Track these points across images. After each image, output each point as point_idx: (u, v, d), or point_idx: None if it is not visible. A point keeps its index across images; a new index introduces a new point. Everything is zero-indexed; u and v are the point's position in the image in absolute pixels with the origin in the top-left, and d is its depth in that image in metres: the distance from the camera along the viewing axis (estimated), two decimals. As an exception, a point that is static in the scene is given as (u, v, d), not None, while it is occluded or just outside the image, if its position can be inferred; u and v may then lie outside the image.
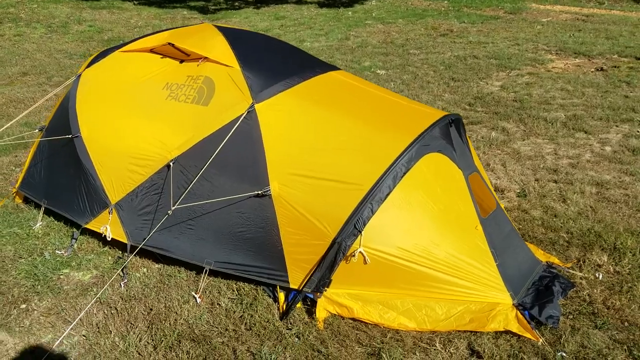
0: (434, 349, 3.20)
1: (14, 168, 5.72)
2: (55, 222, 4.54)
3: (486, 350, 3.14)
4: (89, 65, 4.63)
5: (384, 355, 3.12)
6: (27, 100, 8.24)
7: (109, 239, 4.01)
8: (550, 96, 7.98)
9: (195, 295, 3.64)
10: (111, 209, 4.02)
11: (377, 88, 4.22)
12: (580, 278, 3.77)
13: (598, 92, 8.16)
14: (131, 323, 3.44)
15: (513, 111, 7.33)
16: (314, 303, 3.53)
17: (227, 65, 3.95)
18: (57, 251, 4.18)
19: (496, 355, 3.11)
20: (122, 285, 3.78)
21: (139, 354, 3.19)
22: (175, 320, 3.44)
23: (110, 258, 4.10)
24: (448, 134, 3.64)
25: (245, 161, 3.62)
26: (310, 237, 3.43)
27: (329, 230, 3.37)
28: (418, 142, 3.44)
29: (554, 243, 4.23)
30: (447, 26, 13.10)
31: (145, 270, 3.95)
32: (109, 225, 4.02)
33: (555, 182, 5.31)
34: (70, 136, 4.24)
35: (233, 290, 3.71)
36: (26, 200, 4.90)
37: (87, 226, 4.18)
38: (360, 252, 3.32)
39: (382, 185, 3.32)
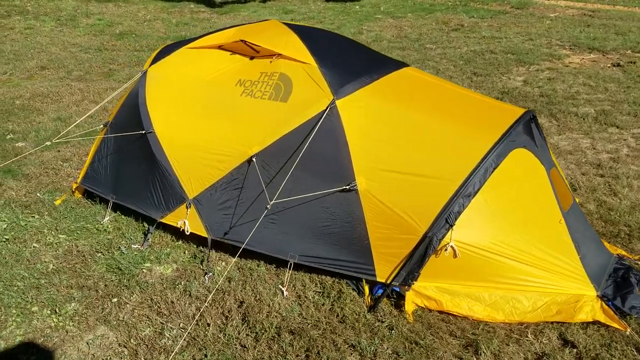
0: (527, 340, 3.30)
1: (61, 163, 5.72)
2: (123, 216, 4.58)
3: (580, 340, 3.24)
4: (153, 62, 4.65)
5: (482, 346, 3.21)
6: (52, 94, 8.21)
7: (187, 233, 4.06)
8: (574, 91, 8.11)
9: (282, 288, 3.71)
10: (189, 204, 4.07)
11: (450, 84, 4.30)
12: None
13: (620, 87, 8.30)
14: (225, 315, 3.50)
15: (543, 106, 7.46)
16: (399, 296, 3.61)
17: (302, 62, 4.01)
18: (132, 245, 4.22)
19: (590, 345, 3.22)
20: (207, 278, 3.83)
21: (242, 345, 3.26)
22: (269, 312, 3.51)
23: (186, 252, 4.15)
24: (530, 130, 3.74)
25: (329, 157, 3.68)
26: (399, 232, 3.51)
27: (419, 224, 3.45)
28: (506, 138, 3.53)
29: (615, 236, 4.35)
30: (458, 21, 13.21)
31: (223, 263, 4.00)
32: (186, 219, 4.08)
33: (602, 176, 5.43)
34: (143, 132, 4.27)
35: (317, 284, 3.78)
36: (87, 195, 4.92)
37: (163, 220, 4.23)
38: (451, 246, 3.40)
39: (473, 180, 3.41)
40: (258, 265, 3.96)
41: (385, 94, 3.89)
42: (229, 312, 3.52)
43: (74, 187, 4.99)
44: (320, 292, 3.71)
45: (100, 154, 4.74)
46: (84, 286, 3.78)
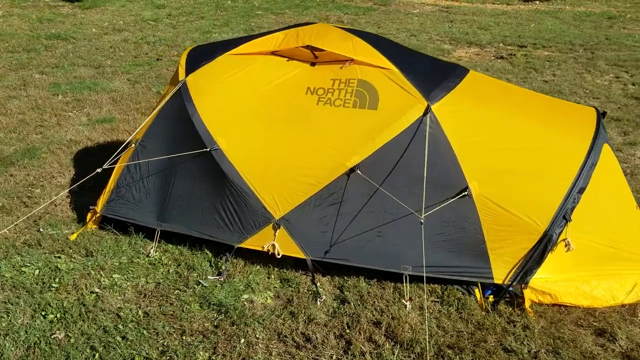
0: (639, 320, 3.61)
1: (31, 189, 4.91)
2: (170, 245, 4.10)
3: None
4: (189, 70, 4.18)
5: (618, 331, 3.45)
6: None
7: (278, 257, 3.76)
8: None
9: (406, 303, 3.62)
10: (277, 224, 3.77)
11: (513, 85, 4.47)
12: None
13: (518, 78, 9.19)
14: (374, 340, 3.32)
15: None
16: (509, 295, 3.72)
17: (382, 68, 3.91)
18: (209, 277, 3.80)
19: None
20: (319, 302, 3.60)
21: (414, 367, 3.14)
22: (411, 329, 3.40)
23: (272, 277, 3.84)
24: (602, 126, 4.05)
25: (436, 163, 3.65)
26: (518, 232, 3.62)
27: (538, 223, 3.58)
28: (599, 135, 3.79)
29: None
30: (336, 17, 13.54)
31: (318, 284, 3.78)
32: (275, 242, 3.77)
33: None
34: (207, 149, 3.85)
35: (429, 293, 3.74)
36: (101, 226, 4.30)
37: (243, 246, 3.86)
38: (567, 240, 3.59)
39: (583, 176, 3.62)
40: (358, 281, 3.80)
41: (471, 97, 3.94)
42: (371, 335, 3.35)
43: (90, 217, 4.31)
44: (439, 301, 3.67)
45: (130, 176, 4.15)
46: (197, 330, 3.33)
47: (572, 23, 13.64)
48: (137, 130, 4.19)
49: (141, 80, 8.52)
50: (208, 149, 3.84)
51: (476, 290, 3.77)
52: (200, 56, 4.27)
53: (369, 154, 3.69)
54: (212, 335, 3.29)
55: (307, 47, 4.03)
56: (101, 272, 3.80)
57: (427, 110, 3.69)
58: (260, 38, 4.24)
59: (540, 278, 3.72)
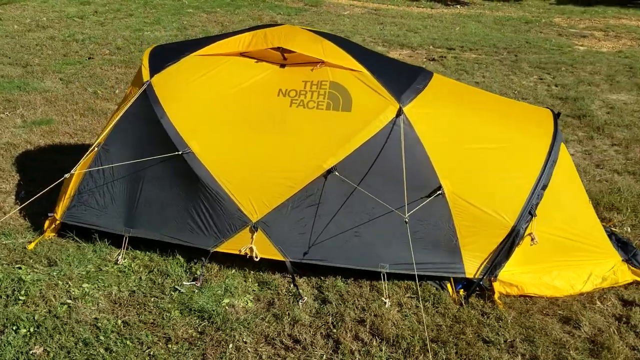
0: (598, 306, 3.86)
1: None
2: (138, 252, 3.98)
3: (637, 298, 3.90)
4: (154, 71, 4.07)
5: (582, 318, 3.67)
6: None
7: (256, 260, 3.74)
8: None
9: (385, 300, 3.69)
10: (254, 227, 3.75)
11: (474, 88, 4.64)
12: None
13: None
14: (360, 338, 3.37)
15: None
16: (467, 288, 3.87)
17: (353, 70, 3.97)
18: (184, 283, 3.72)
19: (646, 300, 3.91)
20: (301, 304, 3.61)
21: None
22: (395, 325, 3.48)
23: (249, 280, 3.82)
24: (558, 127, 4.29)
25: (410, 164, 3.73)
26: (488, 228, 3.78)
27: (507, 219, 3.76)
28: (557, 135, 4.02)
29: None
30: (269, 17, 13.51)
31: (301, 285, 3.80)
32: (253, 245, 3.75)
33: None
34: (179, 152, 3.77)
35: (404, 289, 3.83)
36: (61, 233, 4.12)
37: (219, 250, 3.81)
38: (533, 234, 3.80)
39: (546, 174, 3.83)
40: (336, 281, 3.85)
41: (438, 99, 4.07)
42: (357, 333, 3.40)
43: (48, 224, 4.11)
44: (414, 297, 3.77)
45: (92, 181, 3.99)
46: (182, 338, 3.26)
47: (494, 27, 14.27)
48: (101, 134, 4.03)
49: (75, 80, 8.18)
50: (180, 152, 3.76)
51: (448, 285, 3.91)
52: (165, 56, 4.17)
53: (345, 155, 3.74)
54: (199, 342, 3.23)
55: (278, 48, 4.02)
56: (69, 282, 3.63)
57: (400, 112, 3.78)
58: (226, 39, 4.19)
59: (507, 271, 3.90)
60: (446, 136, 3.89)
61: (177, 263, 3.87)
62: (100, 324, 3.29)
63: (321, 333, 3.38)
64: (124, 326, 3.30)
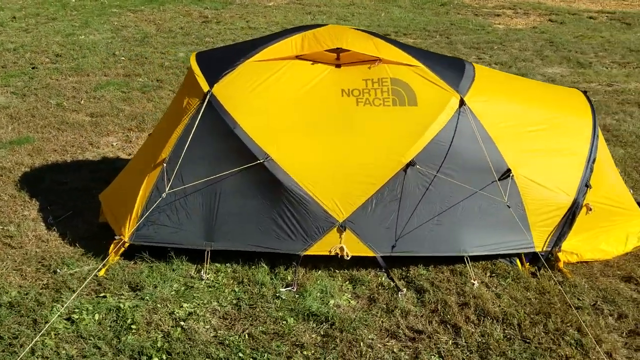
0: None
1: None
2: (218, 265, 3.92)
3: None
4: (212, 81, 3.98)
5: (641, 275, 4.07)
6: None
7: (347, 259, 3.81)
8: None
9: (475, 282, 3.88)
10: (342, 227, 3.81)
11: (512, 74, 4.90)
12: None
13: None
14: (472, 321, 3.54)
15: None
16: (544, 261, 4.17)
17: (410, 65, 4.11)
18: (281, 289, 3.72)
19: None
20: (401, 295, 3.73)
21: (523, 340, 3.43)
22: (494, 303, 3.68)
23: (339, 278, 3.89)
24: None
25: (479, 151, 3.94)
26: (552, 203, 4.08)
27: (568, 193, 4.08)
28: (594, 111, 4.38)
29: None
30: (198, 12, 13.20)
31: (380, 279, 3.92)
32: (343, 244, 3.81)
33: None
34: (260, 161, 3.74)
35: (480, 269, 4.04)
36: (126, 254, 3.98)
37: (309, 253, 3.83)
38: (589, 204, 4.15)
39: (594, 147, 4.19)
40: (418, 270, 3.99)
41: (489, 87, 4.30)
42: (468, 316, 3.57)
43: (113, 248, 3.93)
44: (493, 276, 3.99)
45: (162, 200, 3.86)
46: (312, 344, 3.27)
47: (415, 11, 14.77)
48: (165, 149, 3.89)
49: (29, 93, 7.66)
50: (261, 160, 3.73)
51: (517, 261, 4.16)
52: (218, 65, 4.08)
53: (421, 148, 3.87)
54: (330, 345, 3.26)
55: (335, 49, 4.07)
56: (167, 305, 3.52)
57: (462, 101, 3.97)
58: (276, 43, 4.17)
59: (567, 241, 4.22)
60: (503, 121, 4.13)
61: (263, 271, 3.84)
62: (227, 341, 3.23)
63: (436, 320, 3.51)
64: (251, 340, 3.26)
